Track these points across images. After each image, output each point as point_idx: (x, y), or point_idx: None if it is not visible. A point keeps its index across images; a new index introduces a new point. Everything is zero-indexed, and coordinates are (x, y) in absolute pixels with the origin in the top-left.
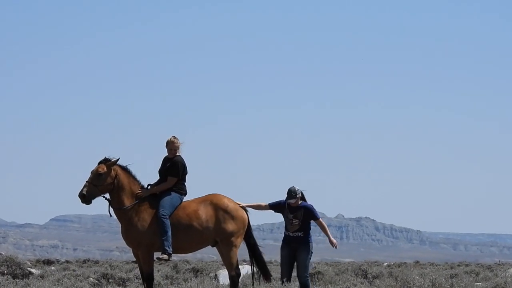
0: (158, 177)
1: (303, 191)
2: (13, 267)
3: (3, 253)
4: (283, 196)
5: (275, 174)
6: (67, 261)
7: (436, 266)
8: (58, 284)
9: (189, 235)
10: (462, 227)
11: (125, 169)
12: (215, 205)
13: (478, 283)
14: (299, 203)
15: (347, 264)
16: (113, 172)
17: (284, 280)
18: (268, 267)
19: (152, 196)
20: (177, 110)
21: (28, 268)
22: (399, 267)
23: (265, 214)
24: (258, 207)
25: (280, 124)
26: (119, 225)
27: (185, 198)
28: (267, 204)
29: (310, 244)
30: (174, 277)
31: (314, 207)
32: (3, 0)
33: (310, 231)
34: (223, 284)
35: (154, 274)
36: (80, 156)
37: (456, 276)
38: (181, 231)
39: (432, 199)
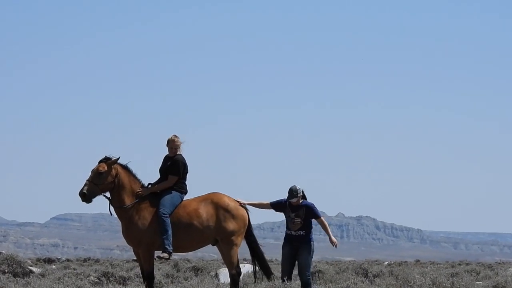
0: (159, 176)
1: (303, 190)
2: (14, 265)
3: (3, 251)
4: (284, 195)
5: (276, 173)
6: (67, 260)
7: (437, 265)
8: (58, 283)
9: (190, 234)
10: (463, 226)
11: (125, 167)
12: (216, 204)
13: (478, 282)
14: (300, 201)
15: (348, 263)
16: (113, 171)
17: (285, 278)
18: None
19: (153, 195)
20: (177, 109)
21: (29, 267)
22: (399, 266)
23: (265, 213)
24: (259, 206)
25: (280, 124)
26: (120, 223)
27: (186, 197)
28: (269, 203)
29: (312, 242)
30: (174, 276)
31: (315, 205)
32: (3, 0)
33: (312, 230)
34: (224, 283)
35: (154, 273)
36: (81, 155)
37: (457, 275)
38: (181, 230)
39: (432, 198)
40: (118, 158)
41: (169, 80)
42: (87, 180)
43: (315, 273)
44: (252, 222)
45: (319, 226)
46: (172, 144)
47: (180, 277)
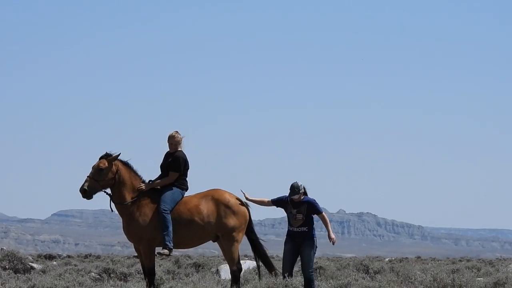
0: (160, 172)
1: (305, 186)
2: (15, 262)
3: (4, 248)
4: (285, 192)
5: (277, 170)
6: (68, 256)
7: (438, 261)
8: (59, 279)
9: (191, 230)
10: (464, 223)
11: (126, 164)
12: (217, 200)
13: (479, 279)
14: (302, 198)
15: (349, 259)
16: (114, 167)
17: (286, 275)
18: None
19: (154, 191)
20: (179, 108)
21: (30, 263)
22: (400, 262)
23: (266, 209)
24: (261, 203)
25: (281, 122)
26: (121, 220)
27: (187, 194)
28: (270, 200)
29: (315, 239)
30: (175, 272)
31: (316, 201)
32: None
33: (314, 226)
34: (225, 279)
35: (155, 269)
36: (82, 152)
37: (458, 271)
38: (182, 226)
39: (433, 194)
40: (119, 155)
41: (171, 79)
42: (87, 176)
43: (316, 270)
44: (253, 219)
45: (320, 222)
46: (172, 140)
47: (181, 273)
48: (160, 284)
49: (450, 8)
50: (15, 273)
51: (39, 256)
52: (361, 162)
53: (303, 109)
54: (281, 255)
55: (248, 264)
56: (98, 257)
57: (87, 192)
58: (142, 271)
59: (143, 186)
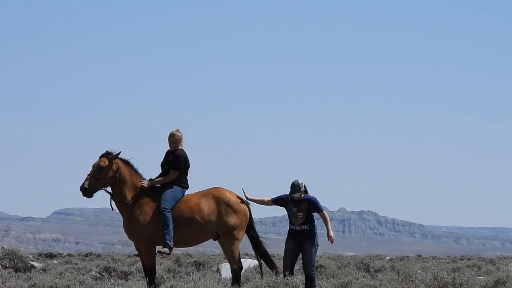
0: (161, 171)
1: (305, 184)
2: (15, 260)
3: (5, 246)
4: (287, 190)
5: (278, 168)
6: (69, 255)
7: (438, 260)
8: (60, 278)
9: (191, 229)
10: (464, 221)
11: (127, 162)
12: (217, 198)
13: (480, 277)
14: (302, 196)
15: (349, 257)
16: (114, 166)
17: (286, 273)
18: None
19: (154, 190)
20: (179, 107)
21: (30, 262)
22: (401, 260)
23: (267, 208)
24: (261, 202)
25: (282, 120)
26: (121, 218)
27: (187, 192)
28: (270, 199)
29: (316, 237)
30: (176, 271)
31: (317, 199)
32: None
33: (315, 223)
34: (226, 278)
35: (156, 268)
36: (82, 150)
37: (458, 270)
38: (183, 225)
39: (434, 193)
40: (119, 153)
41: (172, 77)
42: (88, 175)
43: (316, 268)
44: (253, 217)
45: (321, 220)
46: (172, 138)
47: (181, 272)
48: (161, 283)
49: (451, 7)
50: (16, 272)
51: (40, 254)
52: (362, 161)
53: (304, 108)
54: (282, 254)
55: (248, 263)
56: (98, 255)
57: (87, 191)
58: (142, 270)
59: (144, 183)
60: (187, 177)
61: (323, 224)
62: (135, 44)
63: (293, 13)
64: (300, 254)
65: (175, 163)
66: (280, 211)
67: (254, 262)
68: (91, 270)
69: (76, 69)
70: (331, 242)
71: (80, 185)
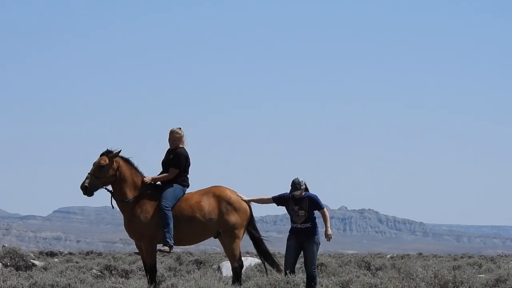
0: (161, 169)
1: (306, 182)
2: (16, 259)
3: (6, 245)
4: (287, 189)
5: (279, 167)
6: (70, 253)
7: (439, 258)
8: (61, 276)
9: (192, 227)
10: (465, 219)
11: (127, 161)
12: (218, 196)
13: (481, 275)
14: (303, 194)
15: (350, 256)
16: (115, 164)
17: (288, 271)
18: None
19: (155, 188)
20: (180, 106)
21: (31, 260)
22: (402, 259)
23: (268, 206)
24: (261, 201)
25: (283, 119)
26: (122, 217)
27: (188, 190)
28: (270, 197)
29: (318, 235)
30: (177, 269)
31: (318, 197)
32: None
33: (316, 221)
34: (226, 276)
35: (157, 266)
36: (83, 149)
37: (459, 268)
38: (183, 223)
39: (435, 191)
40: (120, 151)
41: (173, 76)
42: (88, 173)
43: (317, 266)
44: (254, 215)
45: (321, 219)
46: (172, 135)
47: (182, 270)
48: (162, 281)
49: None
50: (17, 270)
51: (41, 253)
52: (363, 159)
53: (305, 107)
54: (283, 252)
55: (249, 261)
56: (99, 254)
57: (88, 189)
58: (143, 268)
59: (147, 178)
60: (188, 176)
61: (323, 222)
62: (135, 44)
63: (293, 13)
64: (302, 252)
65: (176, 161)
66: (281, 210)
67: (255, 260)
68: (92, 268)
69: (76, 69)
70: (328, 240)
71: (81, 183)
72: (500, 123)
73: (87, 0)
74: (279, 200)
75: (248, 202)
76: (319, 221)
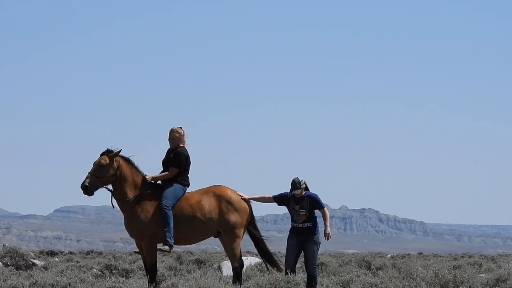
0: (162, 168)
1: (306, 181)
2: (17, 258)
3: (6, 244)
4: (287, 189)
5: (280, 166)
6: (70, 253)
7: (440, 257)
8: (61, 276)
9: (192, 226)
10: (466, 219)
11: (127, 160)
12: (218, 196)
13: (481, 275)
14: (303, 193)
15: (351, 255)
16: (115, 164)
17: (288, 271)
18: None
19: (155, 187)
20: (180, 105)
21: (32, 259)
22: (402, 258)
23: (268, 206)
24: (262, 200)
25: (284, 118)
26: (123, 216)
27: (188, 190)
28: (271, 196)
29: (318, 235)
30: (177, 268)
31: (318, 196)
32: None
33: (317, 221)
34: (227, 276)
35: (157, 265)
36: (84, 148)
37: (460, 268)
38: (184, 222)
39: (435, 190)
40: (120, 151)
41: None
42: (88, 173)
43: (318, 266)
44: (255, 215)
45: (321, 218)
46: (171, 134)
47: (183, 269)
48: (162, 281)
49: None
50: (17, 270)
51: (41, 252)
52: (363, 159)
53: (305, 107)
54: (284, 252)
55: (250, 261)
56: (100, 253)
57: (88, 189)
58: (144, 268)
59: (148, 176)
60: (188, 175)
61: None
62: (135, 44)
63: (293, 13)
64: (302, 251)
65: (176, 160)
66: (282, 209)
67: (256, 259)
68: (92, 268)
69: (76, 69)
70: (327, 239)
71: (81, 183)
72: (500, 123)
73: (87, 0)
74: (280, 199)
75: (249, 200)
76: (319, 220)
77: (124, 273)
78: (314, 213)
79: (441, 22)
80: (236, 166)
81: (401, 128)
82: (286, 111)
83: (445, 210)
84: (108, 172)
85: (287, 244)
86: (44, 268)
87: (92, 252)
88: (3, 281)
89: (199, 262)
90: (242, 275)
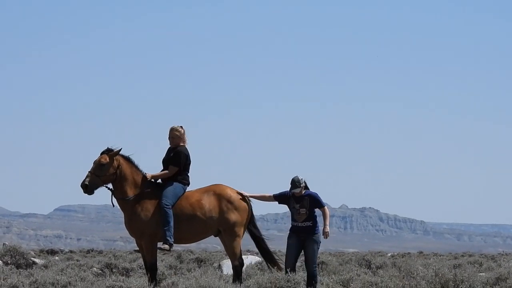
0: (162, 167)
1: (305, 180)
2: (17, 257)
3: (6, 243)
4: (287, 188)
5: (280, 165)
6: (70, 251)
7: (440, 256)
8: (61, 274)
9: (192, 225)
10: (466, 218)
11: (127, 159)
12: (219, 195)
13: (481, 274)
14: (303, 192)
15: (351, 254)
16: (115, 162)
17: (288, 270)
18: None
19: (155, 186)
20: (181, 105)
21: (32, 258)
22: (402, 257)
23: (268, 205)
24: (262, 198)
25: (284, 117)
26: (123, 215)
27: (188, 189)
28: (272, 195)
29: (318, 234)
30: (177, 267)
31: (319, 194)
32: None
33: (317, 220)
34: (227, 274)
35: (157, 264)
36: (84, 147)
37: (460, 267)
38: (184, 221)
39: (436, 189)
40: (120, 150)
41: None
42: (89, 172)
43: (318, 264)
44: (255, 214)
45: (321, 217)
46: (171, 133)
47: (183, 268)
48: (162, 279)
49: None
50: (17, 268)
51: (41, 251)
52: (364, 158)
53: (305, 106)
54: (284, 250)
55: (250, 259)
56: (100, 252)
57: (88, 188)
58: (144, 266)
59: (148, 174)
60: (188, 174)
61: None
62: (135, 44)
63: (293, 13)
64: (302, 250)
65: (176, 159)
66: (282, 208)
67: (256, 258)
68: (92, 266)
69: (76, 69)
70: (325, 237)
71: (81, 182)
72: (500, 123)
73: (87, 0)
74: (280, 198)
75: (249, 199)
76: (319, 219)
77: (124, 272)
78: (315, 212)
79: (441, 22)
80: (236, 165)
81: (401, 128)
82: (286, 111)
83: (445, 209)
84: (108, 171)
85: (287, 243)
86: (44, 266)
87: (92, 251)
88: (4, 280)
89: (199, 261)
90: (242, 274)
